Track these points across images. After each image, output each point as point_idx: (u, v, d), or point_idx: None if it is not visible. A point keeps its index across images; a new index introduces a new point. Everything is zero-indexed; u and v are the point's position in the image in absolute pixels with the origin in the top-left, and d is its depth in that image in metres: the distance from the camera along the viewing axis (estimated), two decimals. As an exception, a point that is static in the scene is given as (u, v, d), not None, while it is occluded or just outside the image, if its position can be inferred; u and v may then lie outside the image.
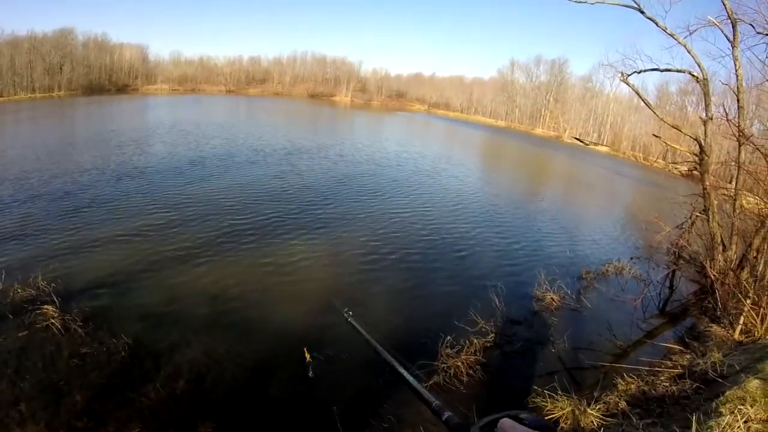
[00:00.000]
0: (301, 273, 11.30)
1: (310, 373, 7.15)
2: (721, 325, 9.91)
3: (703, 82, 12.79)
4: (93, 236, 12.38)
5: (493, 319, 9.52)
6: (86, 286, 9.52)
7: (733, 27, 11.84)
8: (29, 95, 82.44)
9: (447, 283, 11.74)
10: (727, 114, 12.66)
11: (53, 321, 7.79)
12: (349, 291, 10.63)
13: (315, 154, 29.29)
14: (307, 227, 14.58)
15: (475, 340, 8.50)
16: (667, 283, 13.42)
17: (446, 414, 1.34)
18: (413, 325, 9.22)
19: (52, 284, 9.01)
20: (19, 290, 8.83)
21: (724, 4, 11.78)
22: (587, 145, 79.32)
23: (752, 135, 12.37)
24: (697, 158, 12.75)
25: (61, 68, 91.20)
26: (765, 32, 11.69)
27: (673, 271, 13.55)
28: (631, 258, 15.09)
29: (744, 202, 12.58)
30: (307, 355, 7.41)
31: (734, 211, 11.94)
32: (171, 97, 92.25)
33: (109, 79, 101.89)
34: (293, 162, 25.40)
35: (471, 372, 7.70)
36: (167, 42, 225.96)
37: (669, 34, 12.84)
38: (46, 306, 8.12)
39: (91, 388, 6.54)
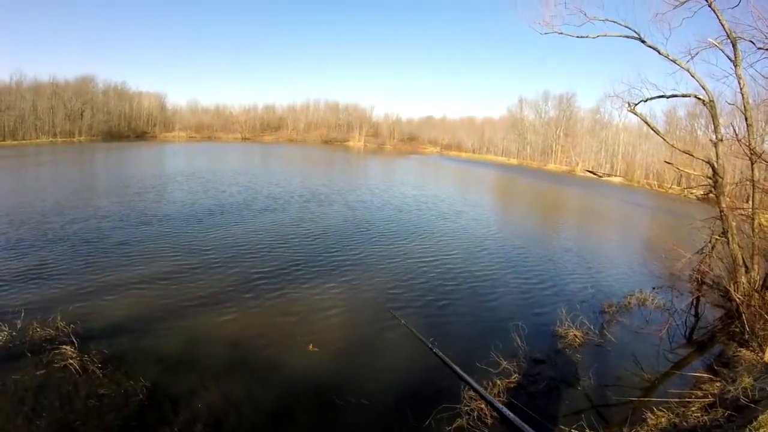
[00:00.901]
0: (321, 319, 11.14)
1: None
2: (750, 348, 9.64)
3: (710, 104, 12.76)
4: (112, 280, 12.50)
5: (515, 359, 9.29)
6: (105, 328, 9.55)
7: (734, 46, 11.85)
8: (50, 139, 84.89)
9: (468, 324, 11.52)
10: (736, 133, 12.58)
11: (71, 361, 7.80)
12: (367, 336, 10.43)
13: (331, 199, 29.44)
14: (325, 273, 14.47)
15: (498, 381, 8.29)
16: (692, 311, 13.07)
17: None
18: (434, 369, 9.01)
19: (71, 325, 9.08)
20: (38, 329, 8.91)
21: (722, 25, 11.83)
22: (601, 177, 78.95)
23: (764, 152, 12.24)
24: (711, 181, 12.60)
25: (81, 114, 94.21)
26: (765, 47, 11.68)
27: (697, 298, 13.22)
28: (654, 288, 14.76)
29: (763, 220, 12.35)
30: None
31: (753, 230, 11.71)
32: (188, 144, 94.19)
33: (128, 125, 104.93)
34: (310, 208, 25.57)
35: (495, 414, 7.45)
36: (184, 90, 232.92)
37: (671, 60, 12.90)
38: (64, 346, 8.16)
39: (108, 429, 6.47)
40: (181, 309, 10.92)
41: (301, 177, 38.83)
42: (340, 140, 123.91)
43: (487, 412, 7.36)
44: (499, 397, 7.88)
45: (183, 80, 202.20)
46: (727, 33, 11.91)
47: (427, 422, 7.09)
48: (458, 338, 10.59)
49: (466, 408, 7.37)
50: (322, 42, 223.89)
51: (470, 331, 11.04)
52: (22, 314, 9.34)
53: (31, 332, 8.86)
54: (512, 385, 8.40)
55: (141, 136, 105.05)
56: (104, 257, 14.46)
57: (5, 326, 9.03)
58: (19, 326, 9.09)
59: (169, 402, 7.23)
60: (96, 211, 20.80)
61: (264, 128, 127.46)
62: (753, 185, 12.03)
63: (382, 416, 7.35)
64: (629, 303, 13.56)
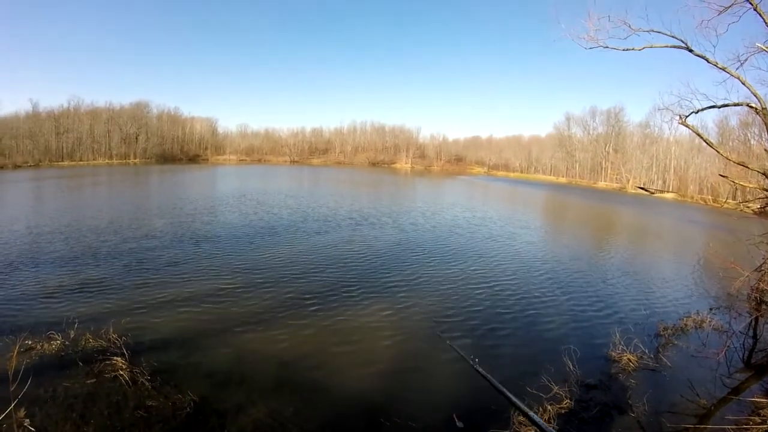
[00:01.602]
0: (370, 339, 11.05)
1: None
2: (816, 371, 9.06)
3: (763, 112, 12.15)
4: (164, 296, 12.81)
5: (567, 383, 8.96)
6: (155, 343, 9.77)
7: None
8: (107, 161, 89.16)
9: (519, 348, 11.16)
10: None
11: (121, 372, 8.00)
12: (416, 358, 10.23)
13: (381, 221, 29.36)
14: (376, 294, 14.37)
15: (549, 407, 8.02)
16: (751, 332, 12.36)
17: None
18: (484, 392, 8.82)
19: (123, 338, 9.34)
20: (91, 340, 9.21)
21: None
22: (653, 193, 76.40)
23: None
24: (767, 193, 12.02)
25: (136, 138, 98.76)
26: None
27: (756, 318, 12.49)
28: (711, 309, 14.12)
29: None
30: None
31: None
32: (239, 166, 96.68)
33: (180, 149, 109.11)
34: (360, 230, 25.58)
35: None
36: (235, 114, 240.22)
37: (721, 68, 12.38)
38: (115, 357, 8.39)
39: (154, 440, 6.57)
40: (230, 327, 11.03)
41: (350, 199, 39.11)
42: (387, 162, 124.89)
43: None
44: (550, 423, 7.61)
45: (233, 105, 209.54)
46: None
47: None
48: (509, 362, 10.30)
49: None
50: (367, 64, 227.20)
51: (521, 355, 10.71)
52: (76, 325, 9.72)
53: (83, 342, 9.16)
54: (563, 411, 8.11)
55: (193, 159, 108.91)
56: (157, 275, 14.85)
57: (59, 336, 9.39)
58: (72, 336, 9.44)
59: (216, 416, 7.28)
60: (149, 231, 21.52)
61: (312, 151, 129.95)
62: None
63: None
64: (685, 325, 12.94)
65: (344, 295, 14.06)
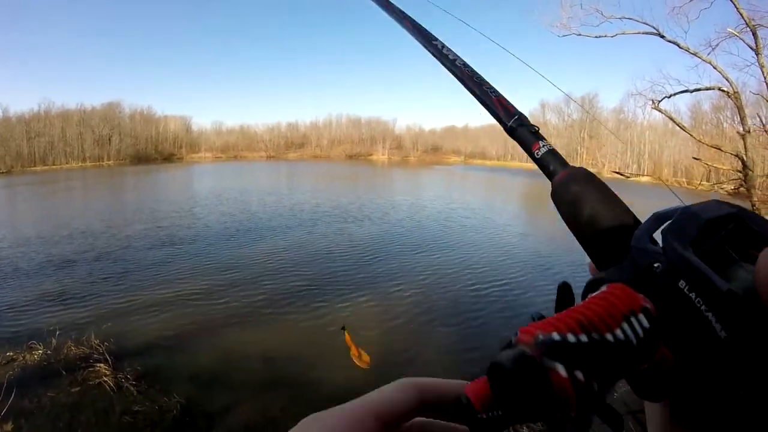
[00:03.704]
0: (354, 332, 11.10)
1: None
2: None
3: (735, 96, 12.37)
4: (145, 299, 12.61)
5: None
6: (138, 346, 9.63)
7: (754, 34, 11.47)
8: (80, 164, 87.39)
9: (496, 330, 11.26)
10: (764, 123, 12.19)
11: (106, 378, 7.87)
12: (403, 352, 10.23)
13: (359, 215, 29.13)
14: (356, 286, 14.33)
15: None
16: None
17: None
18: (473, 378, 8.87)
19: (105, 343, 9.13)
20: (73, 348, 9.02)
21: (740, 14, 11.52)
22: (628, 177, 76.77)
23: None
24: (740, 174, 12.22)
25: (109, 139, 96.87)
26: None
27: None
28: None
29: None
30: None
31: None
32: (214, 164, 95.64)
33: (155, 149, 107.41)
34: (339, 224, 25.32)
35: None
36: (209, 112, 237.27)
37: (692, 54, 12.55)
38: (98, 364, 8.24)
39: (143, 446, 6.49)
40: (214, 326, 10.91)
41: (328, 194, 38.94)
42: (364, 154, 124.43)
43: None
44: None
45: (207, 102, 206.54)
46: (746, 21, 11.56)
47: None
48: (488, 346, 10.40)
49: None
50: (341, 57, 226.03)
51: (497, 341, 10.80)
52: (57, 333, 9.49)
53: (65, 351, 8.97)
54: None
55: (168, 158, 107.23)
56: (136, 279, 14.58)
57: (40, 345, 9.19)
58: (53, 345, 9.23)
59: (203, 418, 7.23)
60: (126, 235, 21.09)
61: (288, 146, 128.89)
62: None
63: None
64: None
65: (328, 289, 14.00)
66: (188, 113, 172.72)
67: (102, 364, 8.22)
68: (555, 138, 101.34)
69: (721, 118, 65.55)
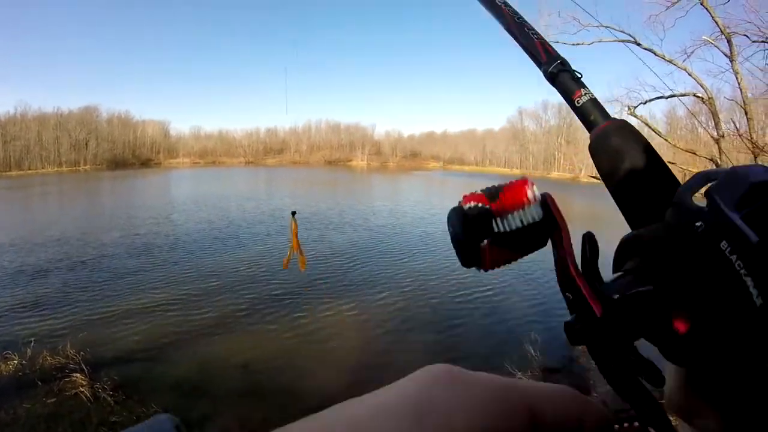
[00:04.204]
0: (333, 337, 11.08)
1: None
2: None
3: (709, 102, 12.73)
4: (121, 308, 12.42)
5: (530, 369, 9.21)
6: (115, 356, 9.50)
7: (728, 42, 11.82)
8: (56, 169, 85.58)
9: (481, 337, 11.44)
10: (737, 128, 12.51)
11: (82, 389, 7.74)
12: (380, 354, 10.34)
13: (338, 221, 29.08)
14: (335, 292, 14.37)
15: None
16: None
17: None
18: None
19: (81, 353, 8.98)
20: (48, 358, 8.83)
21: (715, 22, 11.85)
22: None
23: (766, 145, 12.16)
24: (713, 178, 12.52)
25: (86, 144, 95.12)
26: (761, 40, 11.65)
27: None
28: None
29: None
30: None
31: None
32: (192, 170, 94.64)
33: (132, 153, 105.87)
34: (317, 230, 25.22)
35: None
36: (188, 116, 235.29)
37: (668, 61, 12.89)
38: (75, 374, 8.10)
39: (121, 457, 6.39)
40: (192, 335, 10.82)
41: (307, 200, 38.84)
42: (343, 160, 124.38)
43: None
44: None
45: (185, 107, 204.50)
46: (720, 29, 11.90)
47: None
48: (472, 351, 10.54)
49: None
50: (321, 62, 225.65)
51: (484, 344, 10.98)
52: (32, 344, 9.27)
53: (41, 361, 8.79)
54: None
55: (145, 163, 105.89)
56: (112, 287, 14.34)
57: (15, 355, 8.99)
58: (28, 355, 9.02)
59: (183, 428, 7.14)
60: (102, 243, 20.73)
61: (267, 152, 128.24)
62: (758, 180, 11.89)
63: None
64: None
65: (307, 296, 14.01)
66: (167, 118, 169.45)
67: (78, 374, 8.09)
68: (533, 144, 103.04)
69: (696, 123, 66.90)
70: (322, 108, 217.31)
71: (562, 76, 0.76)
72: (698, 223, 0.40)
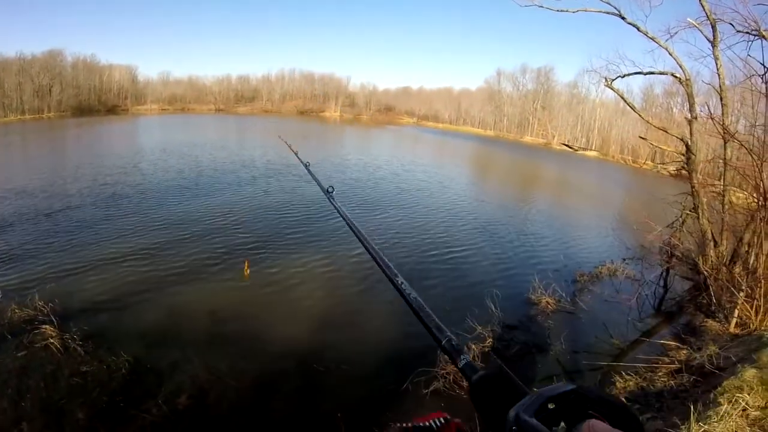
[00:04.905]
0: (301, 288, 11.31)
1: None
2: (717, 319, 10.04)
3: (686, 83, 13.04)
4: (89, 257, 12.36)
5: (490, 324, 9.55)
6: (84, 306, 9.54)
7: (713, 27, 12.08)
8: (19, 117, 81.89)
9: (444, 292, 11.82)
10: (711, 113, 12.85)
11: (52, 341, 7.79)
12: (346, 304, 10.66)
13: (303, 171, 28.63)
14: (304, 243, 14.57)
15: (473, 346, 8.57)
16: (662, 282, 13.54)
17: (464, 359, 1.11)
18: (411, 334, 9.20)
19: (50, 304, 8.96)
20: (17, 311, 8.81)
21: (702, 6, 12.03)
22: (576, 150, 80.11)
23: (736, 132, 12.56)
24: (683, 158, 12.96)
25: (50, 90, 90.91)
26: (745, 30, 11.88)
27: (667, 270, 13.67)
28: (624, 259, 15.26)
29: (734, 198, 12.75)
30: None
31: (723, 207, 12.10)
32: (161, 116, 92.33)
33: (98, 100, 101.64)
34: (290, 181, 25.26)
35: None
36: (156, 62, 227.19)
37: (650, 38, 13.11)
38: (44, 326, 8.12)
39: (93, 406, 6.55)
40: (160, 284, 10.92)
41: (277, 151, 38.35)
42: (316, 111, 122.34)
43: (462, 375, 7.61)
44: (475, 359, 8.08)
45: (154, 51, 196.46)
46: (707, 14, 12.11)
47: (404, 386, 7.38)
48: (435, 305, 10.76)
49: (442, 371, 7.63)
50: (296, 11, 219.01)
51: (447, 299, 11.34)
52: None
53: (9, 314, 8.74)
54: (486, 350, 8.71)
55: (112, 110, 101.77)
56: (80, 236, 14.18)
57: (-19, 310, 8.96)
58: (-4, 309, 9.00)
59: (152, 375, 7.34)
60: (69, 191, 20.31)
61: (238, 99, 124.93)
62: (725, 163, 12.36)
63: (362, 381, 7.65)
64: (600, 273, 13.99)
65: (276, 245, 14.25)
66: (134, 63, 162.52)
67: (48, 326, 8.11)
68: (508, 106, 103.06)
69: (672, 103, 68.52)
70: (297, 57, 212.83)
71: (447, 345, 1.19)
72: (513, 428, 0.76)
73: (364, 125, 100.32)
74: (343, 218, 2.15)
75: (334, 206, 2.51)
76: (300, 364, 7.87)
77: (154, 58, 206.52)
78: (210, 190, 21.82)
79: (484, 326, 9.35)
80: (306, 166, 3.68)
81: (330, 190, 2.70)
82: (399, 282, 1.53)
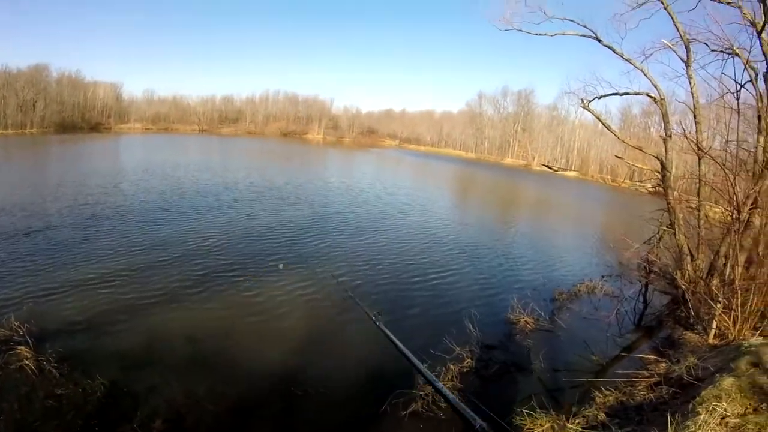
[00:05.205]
0: (280, 312, 11.25)
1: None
2: (695, 331, 10.24)
3: (661, 102, 13.42)
4: (67, 278, 12.20)
5: (468, 345, 9.61)
6: (61, 328, 9.39)
7: (686, 48, 12.47)
8: (0, 132, 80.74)
9: (424, 313, 11.87)
10: (685, 131, 13.20)
11: (27, 362, 7.67)
12: (325, 328, 10.60)
13: (292, 195, 29.05)
14: (286, 267, 14.45)
15: (452, 366, 8.59)
16: (640, 298, 13.74)
17: None
18: (390, 355, 9.31)
19: (26, 325, 8.82)
20: (-8, 331, 8.63)
21: (676, 27, 12.41)
22: (556, 171, 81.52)
23: (710, 148, 12.90)
24: (659, 175, 13.24)
25: (34, 105, 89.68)
26: (719, 49, 12.28)
27: (646, 285, 13.88)
28: (603, 276, 15.45)
29: (711, 212, 13.04)
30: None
31: (699, 222, 12.38)
32: (144, 136, 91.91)
33: (82, 117, 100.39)
34: (271, 204, 25.22)
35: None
36: (141, 80, 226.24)
37: (626, 60, 13.50)
38: (19, 347, 8.00)
39: (68, 429, 6.45)
40: (139, 307, 10.78)
41: (260, 173, 38.30)
42: (299, 133, 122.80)
43: (440, 396, 7.68)
44: (453, 380, 8.22)
45: (139, 68, 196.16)
46: (680, 35, 12.52)
47: (383, 407, 7.35)
48: (415, 326, 10.96)
49: (420, 393, 7.65)
50: (282, 33, 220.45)
51: (426, 320, 11.40)
52: (-26, 316, 9.09)
53: (-16, 334, 8.58)
54: (465, 370, 8.76)
55: (95, 127, 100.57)
56: (58, 257, 14.01)
57: (-43, 330, 8.78)
58: (-29, 329, 8.82)
59: (128, 399, 7.23)
60: (49, 210, 20.07)
61: (222, 120, 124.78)
62: (699, 179, 12.68)
63: (340, 404, 7.60)
64: (579, 291, 14.16)
65: (255, 268, 14.19)
66: (119, 80, 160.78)
67: (23, 347, 8.00)
68: (489, 129, 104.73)
69: (649, 122, 70.60)
70: (281, 78, 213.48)
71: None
72: None
73: (347, 148, 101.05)
74: (392, 342, 2.27)
75: (383, 331, 2.63)
76: (278, 388, 7.82)
77: (139, 75, 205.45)
78: (191, 212, 21.64)
79: (462, 347, 9.40)
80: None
81: (376, 316, 2.81)
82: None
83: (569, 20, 14.03)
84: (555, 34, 14.92)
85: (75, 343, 8.85)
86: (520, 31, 15.11)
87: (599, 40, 13.76)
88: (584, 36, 13.90)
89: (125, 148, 62.37)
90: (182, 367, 8.34)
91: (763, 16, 10.82)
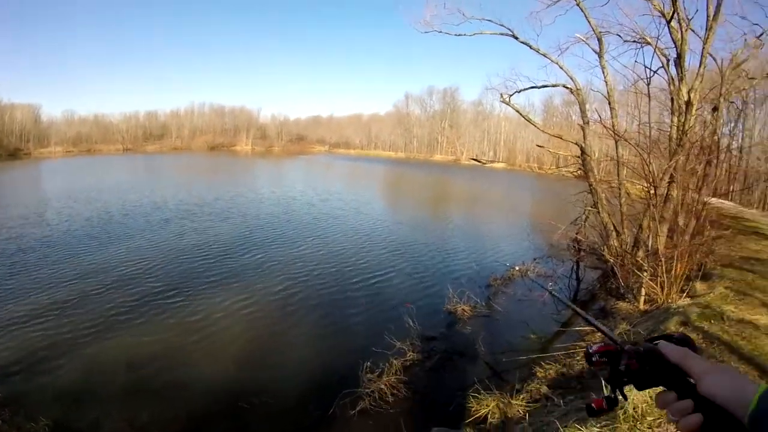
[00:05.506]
0: (219, 327, 11.10)
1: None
2: (626, 300, 10.95)
3: (577, 93, 14.26)
4: (-6, 317, 11.53)
5: (408, 338, 9.81)
6: (-6, 371, 8.93)
7: (599, 40, 13.37)
8: None
9: (362, 313, 12.07)
10: (601, 117, 14.11)
11: (-38, 412, 7.28)
12: (266, 337, 10.61)
13: (221, 210, 28.28)
14: (219, 282, 14.27)
15: (395, 361, 8.75)
16: (573, 275, 14.49)
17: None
18: (333, 358, 9.45)
19: (-43, 370, 8.36)
20: None
21: (588, 22, 13.25)
22: (484, 164, 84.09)
23: (625, 131, 13.82)
24: (580, 160, 14.04)
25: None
26: (632, 39, 13.23)
27: (576, 263, 14.66)
28: (535, 259, 16.16)
29: (634, 190, 13.94)
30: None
31: (620, 200, 13.19)
32: (66, 159, 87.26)
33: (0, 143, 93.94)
34: (199, 221, 24.44)
35: (395, 392, 7.95)
36: (60, 100, 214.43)
37: (542, 54, 14.22)
38: (-48, 395, 7.58)
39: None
40: (73, 341, 10.35)
41: (189, 190, 37.28)
42: (227, 145, 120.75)
43: (387, 391, 7.84)
44: (397, 375, 8.36)
45: (58, 88, 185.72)
46: (593, 29, 13.39)
47: (331, 410, 7.45)
48: (354, 326, 11.22)
49: (366, 390, 7.81)
50: (205, 44, 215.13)
51: (365, 319, 11.62)
52: None
53: None
54: (408, 363, 8.97)
55: (14, 154, 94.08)
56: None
57: None
58: None
59: (74, 437, 6.98)
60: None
61: (147, 137, 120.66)
62: (618, 161, 13.57)
63: (289, 411, 7.65)
64: (513, 275, 14.74)
65: (190, 288, 13.84)
66: (37, 101, 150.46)
67: (-45, 395, 7.58)
68: (417, 128, 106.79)
69: (571, 111, 74.32)
70: (206, 90, 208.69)
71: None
72: None
73: (277, 157, 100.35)
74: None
75: None
76: (225, 405, 7.77)
77: (58, 95, 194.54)
78: (121, 236, 20.74)
79: (403, 341, 9.57)
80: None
81: None
82: None
83: (487, 20, 14.62)
84: (474, 34, 15.51)
85: (13, 387, 8.43)
86: (440, 32, 15.61)
87: (516, 38, 14.42)
88: (502, 34, 14.51)
89: (47, 174, 59.11)
90: (124, 396, 8.13)
91: (671, 6, 11.64)
